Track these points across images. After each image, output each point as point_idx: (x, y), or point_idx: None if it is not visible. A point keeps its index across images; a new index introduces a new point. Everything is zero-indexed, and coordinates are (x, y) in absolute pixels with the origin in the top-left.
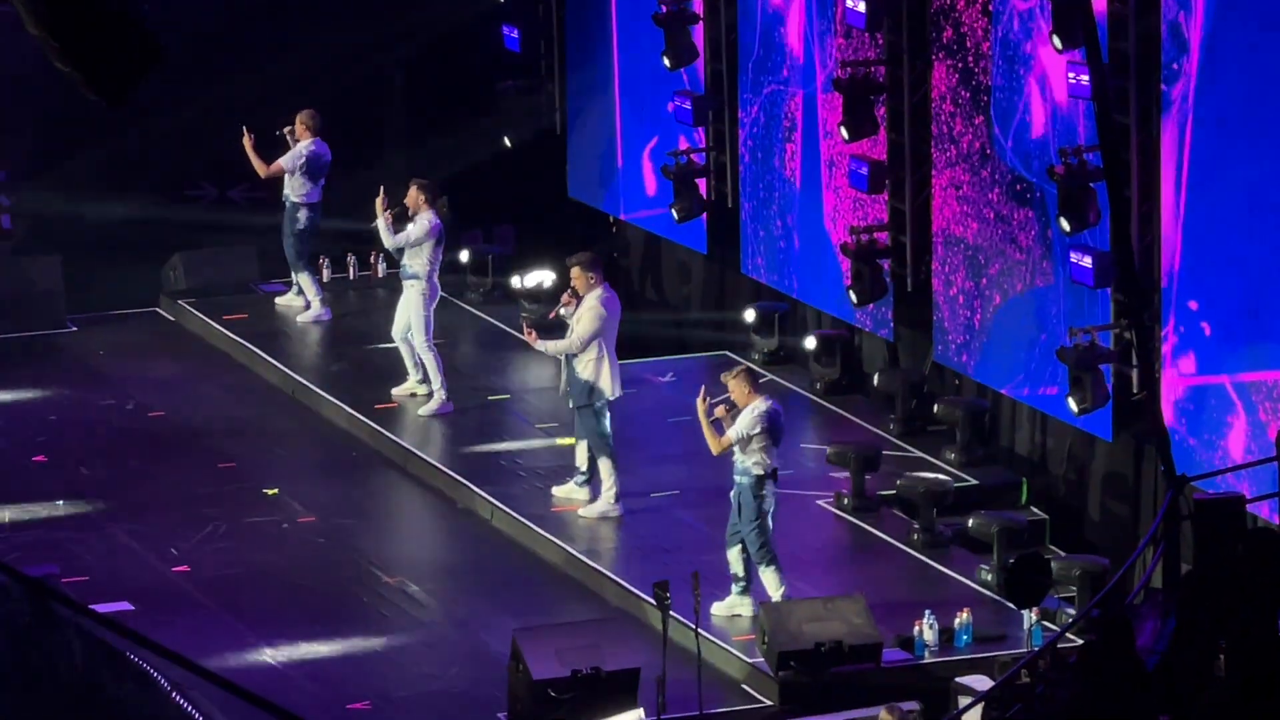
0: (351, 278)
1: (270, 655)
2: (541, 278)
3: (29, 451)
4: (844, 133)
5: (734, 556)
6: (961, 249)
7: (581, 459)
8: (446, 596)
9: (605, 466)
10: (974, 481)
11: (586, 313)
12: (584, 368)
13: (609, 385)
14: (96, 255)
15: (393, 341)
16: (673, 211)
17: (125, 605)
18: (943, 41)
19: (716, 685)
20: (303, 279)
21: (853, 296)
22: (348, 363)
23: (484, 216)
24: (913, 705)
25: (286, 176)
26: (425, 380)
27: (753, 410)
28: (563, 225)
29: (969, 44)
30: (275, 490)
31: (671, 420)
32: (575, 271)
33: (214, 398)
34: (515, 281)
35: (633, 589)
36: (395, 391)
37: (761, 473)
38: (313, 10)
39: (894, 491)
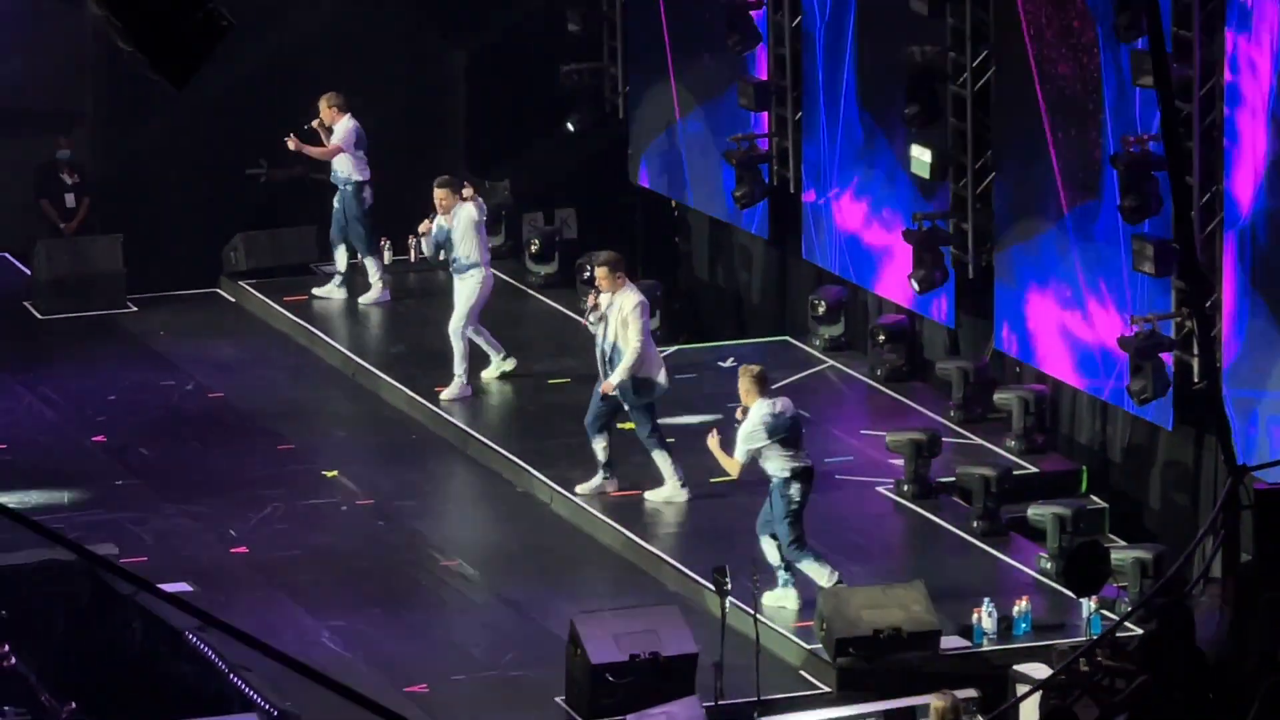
0: (412, 260)
1: (328, 637)
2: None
3: (89, 432)
4: (908, 120)
5: (767, 546)
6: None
7: (601, 452)
8: (504, 580)
9: (661, 457)
10: (1033, 469)
11: (632, 319)
12: (634, 367)
13: (659, 378)
14: (157, 235)
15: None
16: (735, 196)
17: (184, 586)
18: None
19: (774, 671)
20: (369, 261)
21: (914, 283)
22: (408, 345)
23: (546, 201)
24: (970, 693)
25: (338, 159)
26: (507, 356)
27: (749, 423)
28: (624, 210)
29: (1033, 32)
30: (334, 472)
31: (731, 404)
32: (602, 272)
33: (274, 379)
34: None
35: (691, 574)
36: (485, 374)
37: (787, 475)
38: None
39: (953, 479)
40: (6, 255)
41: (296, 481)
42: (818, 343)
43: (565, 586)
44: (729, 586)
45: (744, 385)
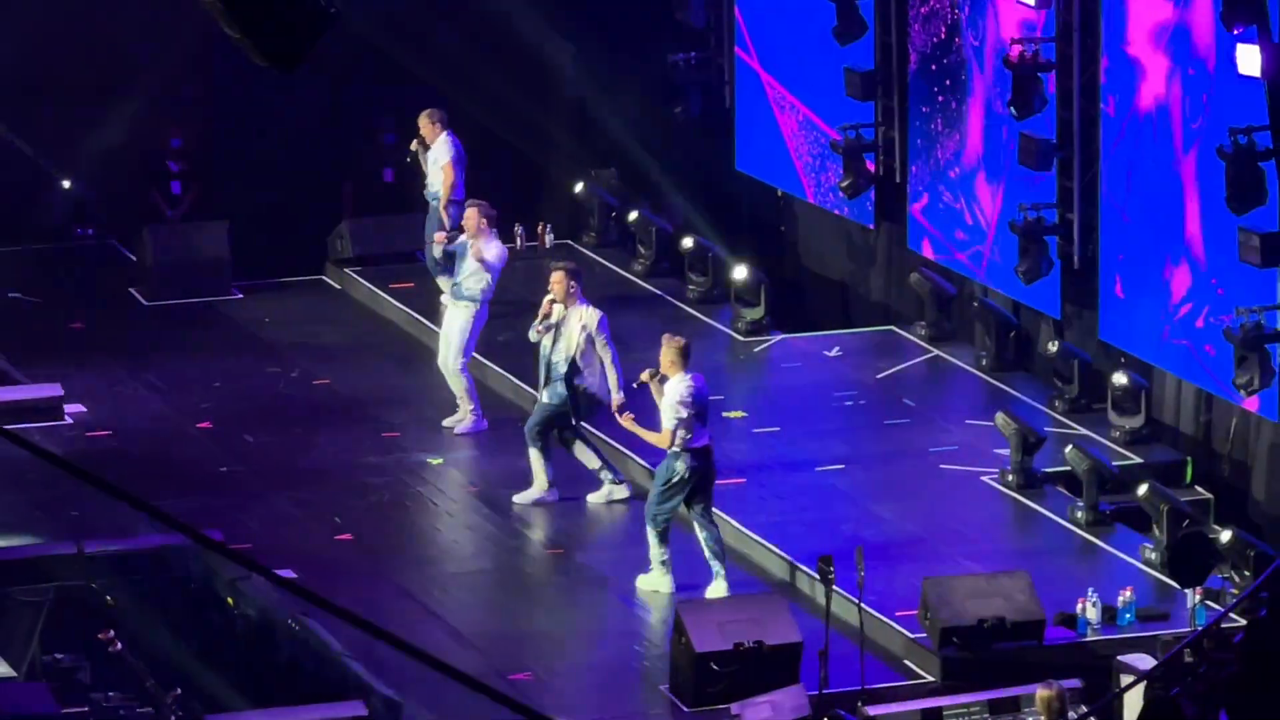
0: (519, 247)
1: (433, 624)
2: (744, 272)
3: (194, 418)
4: (1013, 110)
5: (700, 534)
6: (1128, 227)
7: (591, 460)
8: (608, 568)
9: (536, 457)
10: (1138, 460)
11: (598, 335)
12: (588, 382)
13: (613, 392)
14: (264, 222)
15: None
16: (841, 186)
17: (289, 573)
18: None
19: (878, 660)
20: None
21: (1019, 273)
22: (514, 334)
23: (652, 188)
24: (1074, 683)
25: (436, 177)
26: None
27: (674, 394)
28: (731, 198)
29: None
30: (440, 460)
31: (837, 394)
32: (558, 277)
33: (379, 366)
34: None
35: (796, 563)
36: (448, 422)
37: (680, 448)
38: None
39: (1058, 469)
40: (113, 242)
41: (401, 469)
42: (922, 332)
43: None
44: (833, 575)
45: (669, 357)
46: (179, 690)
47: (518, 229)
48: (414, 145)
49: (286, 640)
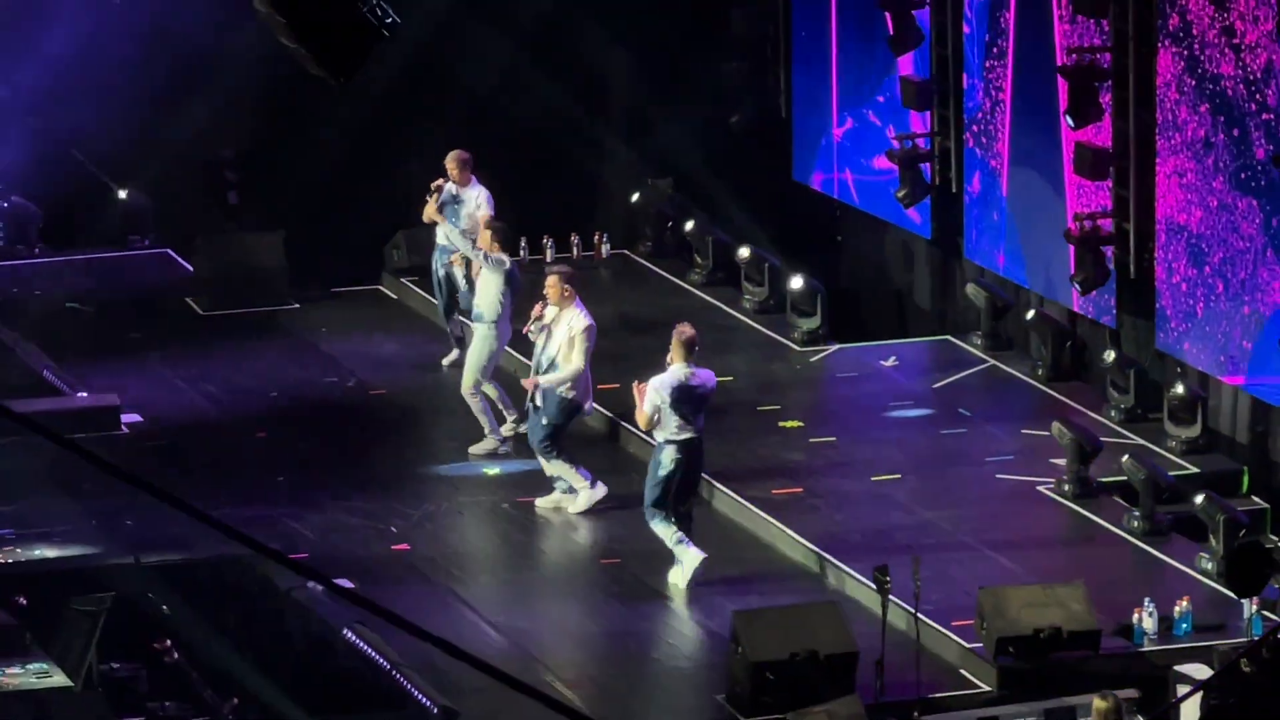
0: (575, 257)
1: (491, 631)
2: (800, 282)
3: (251, 428)
4: (1069, 120)
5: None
6: (1184, 237)
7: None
8: (664, 578)
9: (559, 466)
10: (1194, 469)
11: (579, 340)
12: (566, 387)
13: (585, 406)
14: (320, 232)
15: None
16: (898, 196)
17: (345, 582)
18: (1168, 29)
19: (934, 669)
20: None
21: (1076, 284)
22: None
23: (707, 198)
24: (1131, 693)
25: (471, 226)
26: (519, 419)
27: (659, 378)
28: (786, 208)
29: (1195, 31)
30: (496, 470)
31: (894, 403)
32: (553, 281)
33: (436, 376)
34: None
35: (852, 572)
36: (473, 449)
37: (666, 440)
38: None
39: (1114, 478)
40: (169, 251)
41: (458, 478)
42: (979, 342)
43: (725, 584)
44: (889, 585)
45: (674, 347)
46: (236, 700)
47: (574, 239)
48: (439, 186)
49: (343, 650)
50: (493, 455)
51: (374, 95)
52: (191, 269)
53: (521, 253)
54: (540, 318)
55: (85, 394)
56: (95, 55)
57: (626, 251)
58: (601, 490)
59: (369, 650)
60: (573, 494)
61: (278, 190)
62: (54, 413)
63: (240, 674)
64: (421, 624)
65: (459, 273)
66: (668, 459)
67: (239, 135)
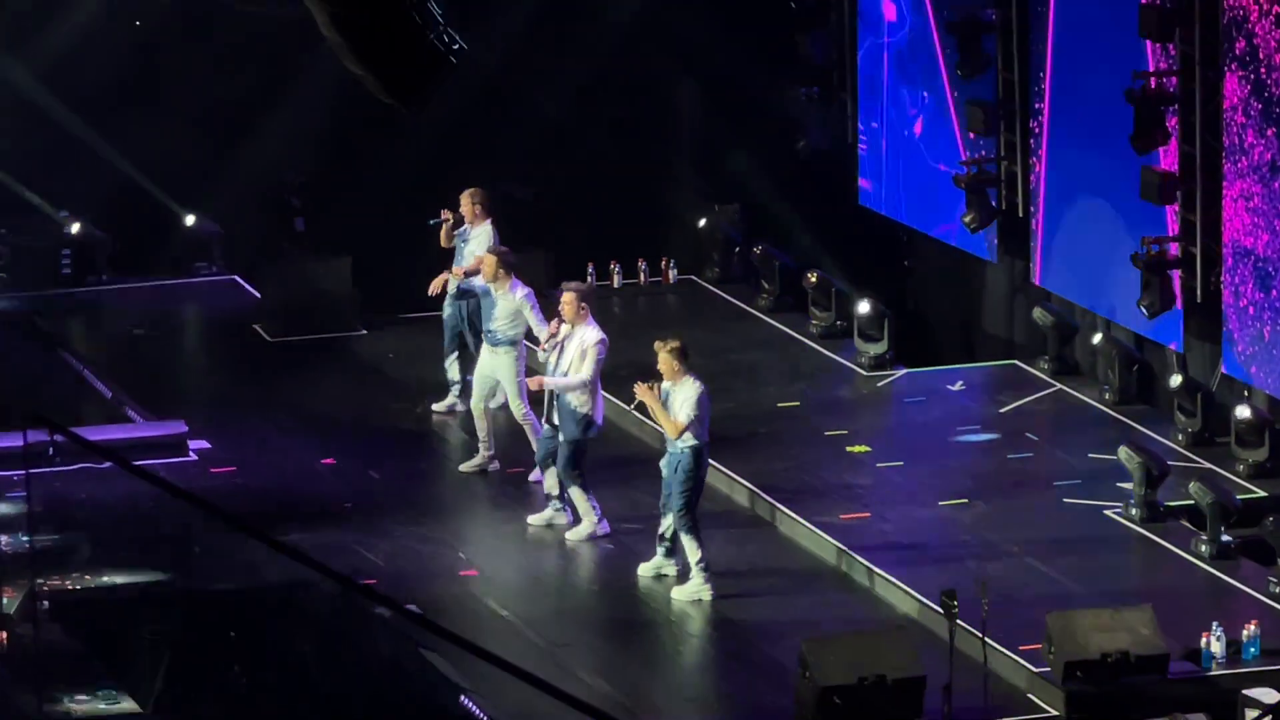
0: (642, 283)
1: (555, 658)
2: (868, 307)
3: (318, 454)
4: (1136, 144)
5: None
6: (1251, 261)
7: (553, 484)
8: (730, 603)
9: (578, 495)
10: (1262, 493)
11: (591, 353)
12: (581, 402)
13: (598, 420)
14: (387, 258)
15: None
16: (965, 220)
17: (412, 609)
18: (1235, 53)
19: (1002, 694)
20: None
21: (1143, 309)
22: (634, 367)
23: (774, 224)
24: (1199, 717)
25: (473, 264)
26: (494, 455)
27: (694, 394)
28: (853, 232)
29: (1261, 55)
30: (558, 499)
31: (960, 427)
32: (569, 298)
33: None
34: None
35: (920, 597)
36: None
37: (693, 445)
38: (601, 21)
39: (1181, 502)
40: (236, 278)
41: (524, 503)
42: (1045, 366)
43: (791, 609)
44: (957, 609)
45: (670, 363)
46: None
47: (641, 264)
48: (446, 217)
49: (414, 674)
50: (483, 471)
51: (441, 121)
52: (259, 295)
53: (590, 278)
54: (555, 334)
55: (153, 421)
56: (163, 81)
57: (694, 277)
58: (606, 529)
59: (439, 674)
60: (566, 513)
61: (344, 216)
62: (123, 440)
63: (310, 699)
64: (489, 649)
65: (454, 283)
66: (694, 463)
67: (306, 162)
